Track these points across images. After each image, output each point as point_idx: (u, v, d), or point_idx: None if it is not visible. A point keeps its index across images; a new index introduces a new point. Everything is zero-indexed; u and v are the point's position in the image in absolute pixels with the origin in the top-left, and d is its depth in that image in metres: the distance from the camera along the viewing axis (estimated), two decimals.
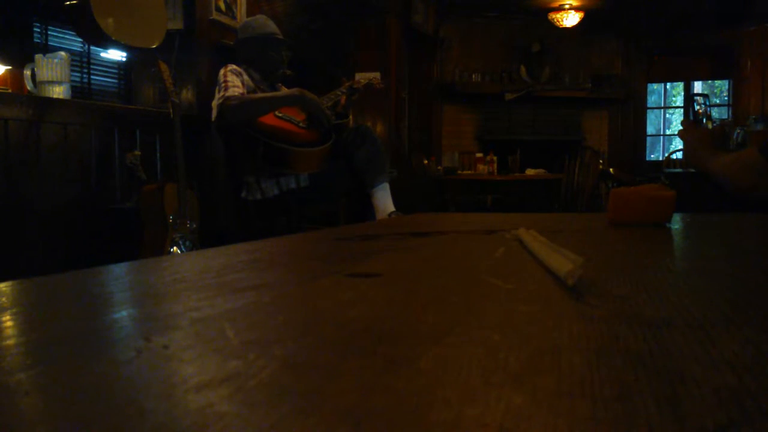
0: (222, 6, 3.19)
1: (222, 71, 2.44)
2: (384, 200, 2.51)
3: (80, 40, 2.92)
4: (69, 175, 2.38)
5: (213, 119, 2.43)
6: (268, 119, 2.40)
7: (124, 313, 0.37)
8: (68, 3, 2.33)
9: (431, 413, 0.20)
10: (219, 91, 2.39)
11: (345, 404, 0.20)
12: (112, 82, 3.21)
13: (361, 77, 2.77)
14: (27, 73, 2.39)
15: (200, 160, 2.92)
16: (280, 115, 2.45)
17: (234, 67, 2.47)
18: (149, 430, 0.19)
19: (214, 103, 2.43)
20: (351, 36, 4.54)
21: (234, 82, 2.39)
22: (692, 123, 2.20)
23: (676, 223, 0.91)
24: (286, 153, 2.36)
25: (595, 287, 0.41)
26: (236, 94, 2.35)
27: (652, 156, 7.29)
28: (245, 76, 2.48)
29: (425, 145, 6.14)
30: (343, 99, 2.69)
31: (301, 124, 2.48)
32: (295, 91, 2.48)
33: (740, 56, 6.45)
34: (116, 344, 0.29)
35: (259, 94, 2.45)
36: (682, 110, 7.45)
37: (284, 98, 2.45)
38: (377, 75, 2.84)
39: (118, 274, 0.53)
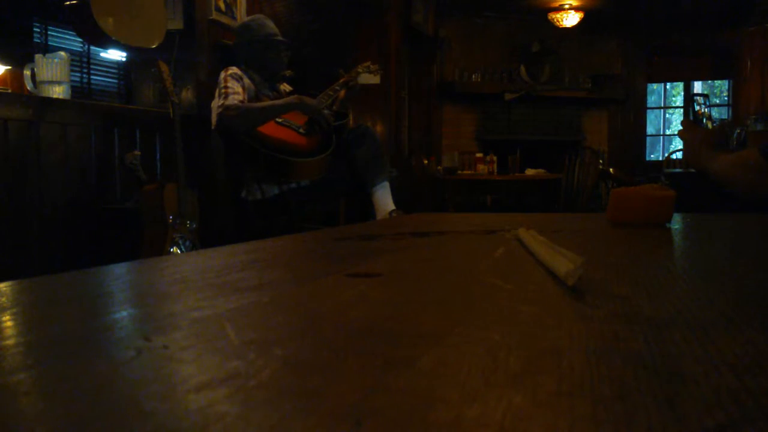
0: (222, 6, 3.19)
1: (222, 75, 2.44)
2: (384, 199, 2.51)
3: (80, 40, 2.92)
4: (69, 175, 2.38)
5: (213, 126, 2.43)
6: (269, 128, 2.39)
7: (124, 313, 0.37)
8: (68, 3, 2.33)
9: (431, 413, 0.20)
10: (219, 97, 2.38)
11: (345, 404, 0.21)
12: (112, 82, 3.21)
13: (359, 68, 2.75)
14: (27, 73, 2.39)
15: (200, 160, 2.92)
16: (280, 121, 2.45)
17: (234, 70, 2.46)
18: (149, 430, 0.19)
19: (214, 105, 2.42)
20: (351, 36, 4.54)
21: (234, 88, 2.38)
22: (692, 123, 2.20)
23: (676, 223, 0.91)
24: (288, 164, 2.36)
25: (595, 287, 0.41)
26: (236, 102, 2.34)
27: (651, 156, 7.29)
28: (246, 80, 2.48)
29: (425, 145, 6.14)
30: (341, 93, 2.67)
31: (301, 130, 2.48)
32: (292, 98, 2.48)
33: (740, 56, 6.45)
34: (116, 344, 0.29)
35: (258, 104, 2.44)
36: (682, 110, 7.45)
37: (283, 106, 2.44)
38: (376, 66, 2.80)
39: (118, 274, 0.53)
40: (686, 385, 0.22)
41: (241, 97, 2.38)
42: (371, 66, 2.78)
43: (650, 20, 6.47)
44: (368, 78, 2.76)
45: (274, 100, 2.52)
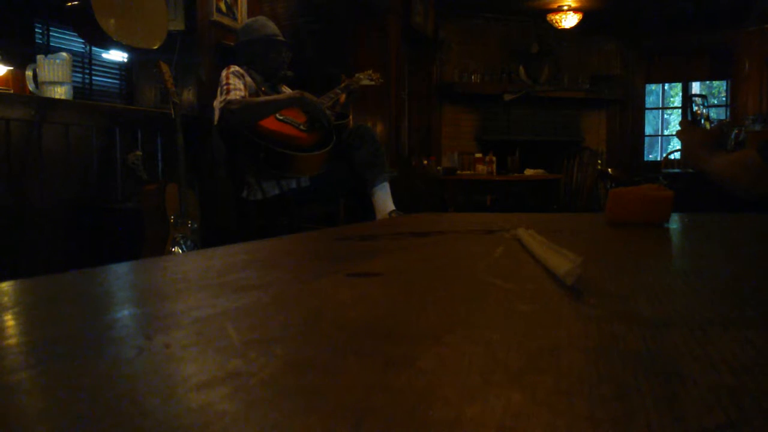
0: (223, 7, 3.19)
1: (224, 73, 2.45)
2: (384, 200, 2.51)
3: (82, 40, 2.92)
4: (70, 175, 2.38)
5: (215, 122, 2.43)
6: (270, 123, 2.40)
7: (126, 312, 0.37)
8: (70, 4, 2.33)
9: (431, 412, 0.20)
10: (221, 94, 2.39)
11: (345, 403, 0.21)
12: (114, 83, 3.21)
13: (360, 75, 2.77)
14: (29, 73, 2.39)
15: (201, 160, 2.92)
16: (281, 118, 2.45)
17: (236, 68, 2.47)
18: (150, 428, 0.19)
19: (216, 105, 2.43)
20: (351, 36, 4.54)
21: (236, 84, 2.39)
22: (690, 123, 2.20)
23: (674, 223, 0.91)
24: (288, 158, 2.36)
25: (593, 287, 0.41)
26: (238, 97, 2.35)
27: (650, 156, 7.29)
28: (247, 78, 2.48)
29: (425, 145, 6.14)
30: (342, 97, 2.69)
31: (302, 127, 2.49)
32: (295, 93, 2.48)
33: (739, 56, 6.45)
34: (117, 343, 0.30)
35: (261, 98, 2.45)
36: (680, 111, 7.45)
37: (285, 100, 2.45)
38: (377, 74, 2.83)
39: (119, 274, 0.53)
40: (685, 385, 0.22)
41: (243, 93, 2.38)
42: (372, 75, 2.79)
43: (649, 21, 6.47)
44: (368, 83, 2.78)
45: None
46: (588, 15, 6.02)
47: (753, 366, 0.24)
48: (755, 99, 6.28)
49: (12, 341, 0.31)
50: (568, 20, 5.95)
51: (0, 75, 2.51)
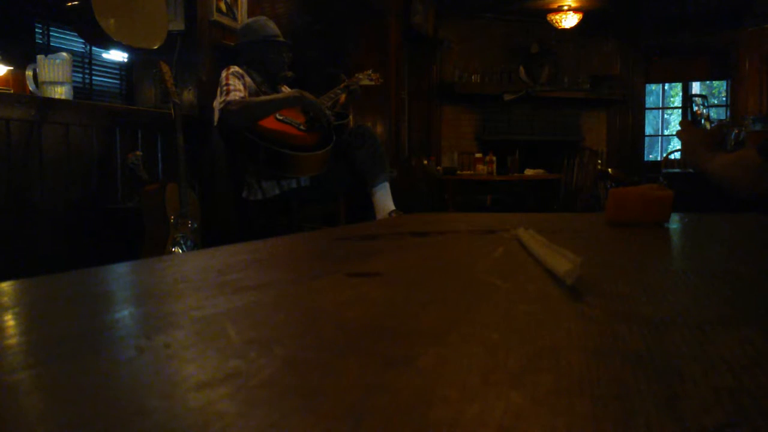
0: (223, 7, 3.19)
1: (224, 73, 2.45)
2: (384, 200, 2.51)
3: (82, 40, 2.92)
4: (70, 175, 2.38)
5: (215, 122, 2.43)
6: (269, 123, 2.40)
7: (126, 312, 0.37)
8: (70, 4, 2.33)
9: (431, 412, 0.20)
10: (220, 95, 2.39)
11: (345, 403, 0.21)
12: (114, 83, 3.21)
13: (360, 75, 2.77)
14: (29, 73, 2.39)
15: (201, 160, 2.92)
16: (280, 118, 2.45)
17: (236, 69, 2.47)
18: (150, 428, 0.19)
19: (215, 105, 2.43)
20: (351, 36, 4.54)
21: (236, 85, 2.39)
22: (690, 123, 2.20)
23: (674, 222, 0.91)
24: (288, 158, 2.37)
25: (593, 287, 0.41)
26: (237, 97, 2.35)
27: (650, 156, 7.30)
28: (247, 78, 2.49)
29: (425, 145, 6.15)
30: (342, 97, 2.69)
31: (301, 127, 2.49)
32: (294, 92, 2.49)
33: (739, 57, 6.46)
34: (117, 343, 0.30)
35: (260, 97, 2.45)
36: (680, 111, 7.45)
37: (284, 100, 2.46)
38: (377, 74, 2.84)
39: (119, 274, 0.53)
40: (684, 385, 0.22)
41: (242, 94, 2.39)
42: (372, 74, 2.80)
43: (649, 21, 6.48)
44: (368, 83, 2.79)
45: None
46: (588, 15, 6.02)
47: (753, 366, 0.24)
48: (755, 99, 6.28)
49: (12, 341, 0.31)
50: (568, 20, 5.95)
51: (0, 75, 2.51)
